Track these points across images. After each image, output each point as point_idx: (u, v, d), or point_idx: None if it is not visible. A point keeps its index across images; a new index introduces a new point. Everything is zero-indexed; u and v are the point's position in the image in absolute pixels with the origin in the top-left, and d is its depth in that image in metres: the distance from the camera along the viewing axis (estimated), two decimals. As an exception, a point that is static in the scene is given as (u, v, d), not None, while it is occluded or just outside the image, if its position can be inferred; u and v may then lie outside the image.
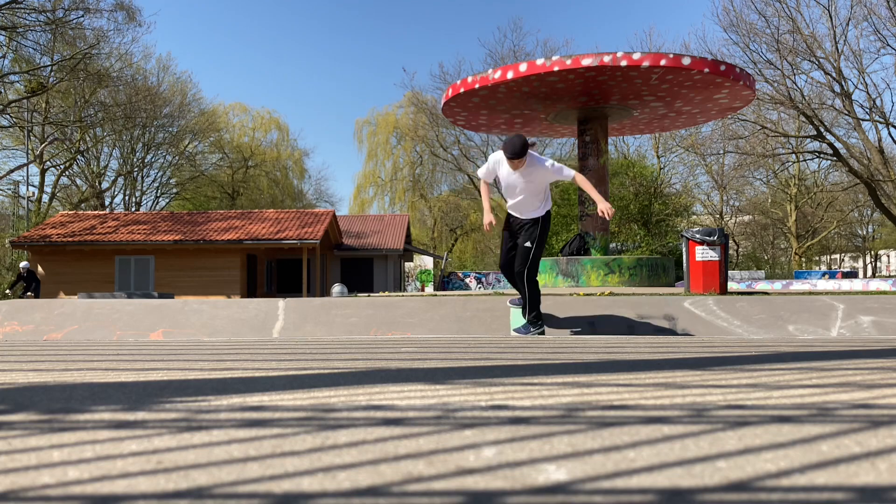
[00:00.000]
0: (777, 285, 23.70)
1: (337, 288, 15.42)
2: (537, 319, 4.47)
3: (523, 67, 9.38)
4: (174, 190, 38.84)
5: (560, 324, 4.79)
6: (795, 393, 0.50)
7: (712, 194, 42.09)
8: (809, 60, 26.47)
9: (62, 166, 33.39)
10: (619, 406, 0.46)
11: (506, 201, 4.71)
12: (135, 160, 35.52)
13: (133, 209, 34.92)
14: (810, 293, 7.93)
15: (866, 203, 36.86)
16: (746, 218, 44.10)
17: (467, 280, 32.56)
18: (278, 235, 21.37)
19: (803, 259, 41.08)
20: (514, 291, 6.54)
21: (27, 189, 29.93)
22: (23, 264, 17.00)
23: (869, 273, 49.28)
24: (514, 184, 4.46)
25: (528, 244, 4.61)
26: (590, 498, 0.27)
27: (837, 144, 27.01)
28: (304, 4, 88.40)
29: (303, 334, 2.57)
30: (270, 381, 0.61)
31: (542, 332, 4.42)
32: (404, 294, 7.80)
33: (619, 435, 0.37)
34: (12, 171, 29.41)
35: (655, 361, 0.76)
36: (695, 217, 42.36)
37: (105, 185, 35.02)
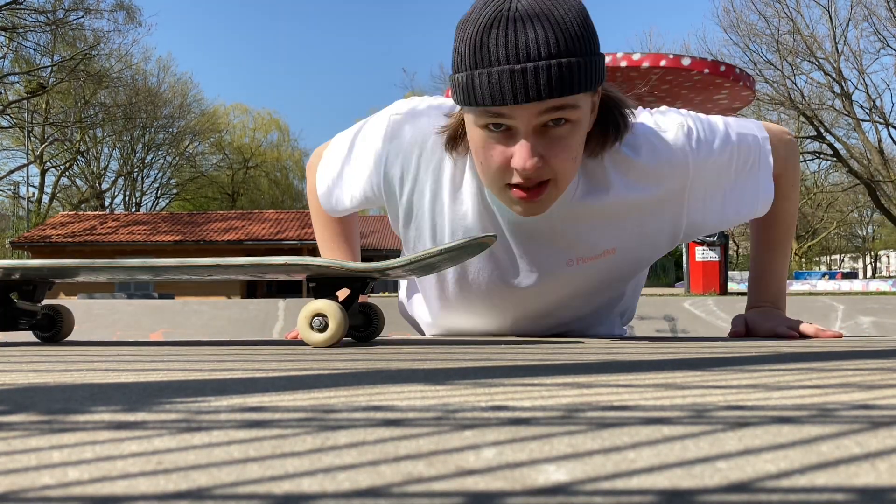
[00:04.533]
0: (777, 286, 23.52)
1: (337, 288, 15.40)
2: None
3: (523, 68, 9.36)
4: (174, 191, 38.85)
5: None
6: (796, 394, 0.51)
7: (712, 195, 42.01)
8: (809, 61, 26.48)
9: (62, 167, 33.40)
10: (620, 407, 0.46)
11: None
12: (135, 161, 35.53)
13: (133, 210, 34.92)
14: (810, 294, 7.94)
15: (866, 204, 36.87)
16: (746, 218, 43.93)
17: (467, 280, 32.50)
18: (278, 236, 21.37)
19: (803, 260, 41.08)
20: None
21: (27, 189, 29.94)
22: None
23: (869, 274, 49.28)
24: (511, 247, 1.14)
25: None
26: (590, 499, 0.27)
27: (837, 145, 27.01)
28: (305, 5, 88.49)
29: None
30: (270, 382, 0.61)
31: None
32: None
33: (620, 436, 0.37)
34: (12, 171, 29.42)
35: (655, 362, 0.76)
36: (695, 217, 42.26)
37: (105, 185, 35.03)
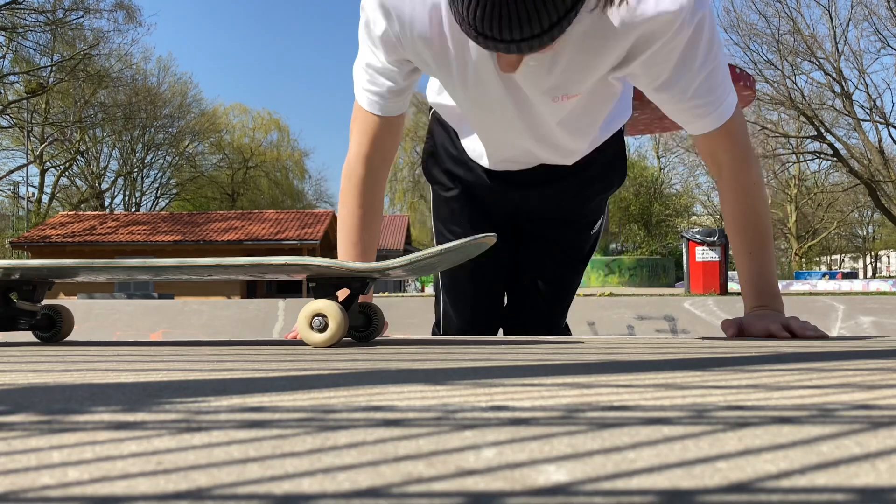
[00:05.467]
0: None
1: (337, 288, 15.39)
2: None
3: (523, 68, 9.36)
4: (174, 191, 38.85)
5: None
6: (796, 394, 0.51)
7: (713, 195, 42.07)
8: (810, 61, 26.49)
9: (62, 167, 33.40)
10: (620, 407, 0.46)
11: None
12: (135, 161, 35.54)
13: (133, 210, 34.92)
14: (810, 294, 7.94)
15: (866, 204, 36.86)
16: (746, 218, 43.81)
17: (467, 280, 32.44)
18: (278, 236, 21.37)
19: (804, 260, 41.08)
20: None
21: (27, 189, 29.95)
22: None
23: (869, 274, 49.28)
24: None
25: (568, 271, 1.71)
26: (590, 499, 0.27)
27: (838, 145, 27.02)
28: (305, 5, 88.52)
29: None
30: (270, 382, 0.61)
31: None
32: (404, 294, 7.82)
33: (620, 436, 0.38)
34: (12, 171, 29.44)
35: (655, 362, 0.76)
36: (695, 217, 42.36)
37: (105, 185, 35.03)
